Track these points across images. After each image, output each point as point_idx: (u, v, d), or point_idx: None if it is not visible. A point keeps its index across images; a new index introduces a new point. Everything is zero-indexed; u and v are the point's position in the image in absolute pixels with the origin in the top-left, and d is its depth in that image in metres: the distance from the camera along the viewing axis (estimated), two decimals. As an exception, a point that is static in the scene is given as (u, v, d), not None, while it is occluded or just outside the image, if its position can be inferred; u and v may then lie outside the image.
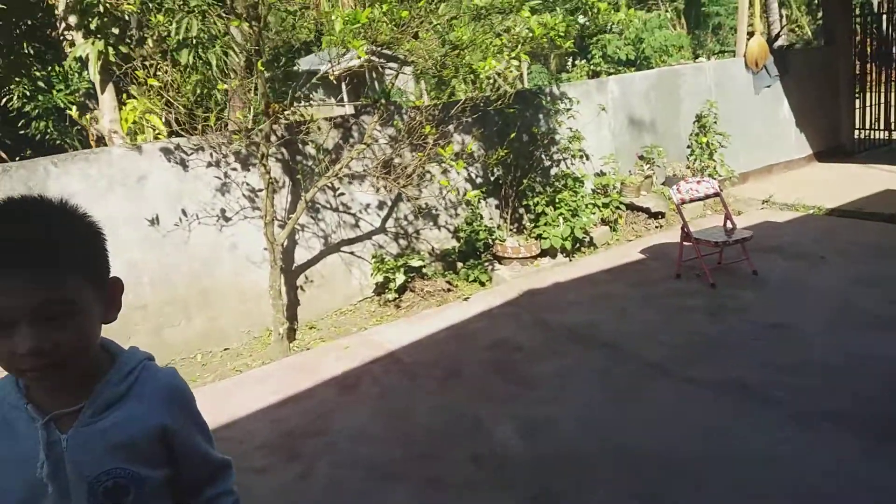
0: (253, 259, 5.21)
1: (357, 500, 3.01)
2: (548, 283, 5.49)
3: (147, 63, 5.05)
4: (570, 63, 20.23)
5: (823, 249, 5.47)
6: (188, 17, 4.56)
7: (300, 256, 5.50)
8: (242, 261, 5.19)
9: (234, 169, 5.09)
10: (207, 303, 5.06)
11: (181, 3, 4.74)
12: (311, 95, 7.67)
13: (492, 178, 6.44)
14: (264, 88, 4.70)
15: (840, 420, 3.12)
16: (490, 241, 6.14)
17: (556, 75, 19.64)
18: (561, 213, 6.03)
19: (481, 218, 6.21)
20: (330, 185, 5.52)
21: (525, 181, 6.30)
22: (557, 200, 6.10)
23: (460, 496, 2.92)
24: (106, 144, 5.75)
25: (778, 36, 10.17)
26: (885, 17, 10.17)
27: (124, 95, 5.69)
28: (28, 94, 7.46)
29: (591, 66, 19.16)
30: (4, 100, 7.46)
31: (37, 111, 7.71)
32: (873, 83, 9.71)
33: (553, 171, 6.76)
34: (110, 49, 5.27)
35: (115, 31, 5.37)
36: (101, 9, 5.20)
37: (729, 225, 5.30)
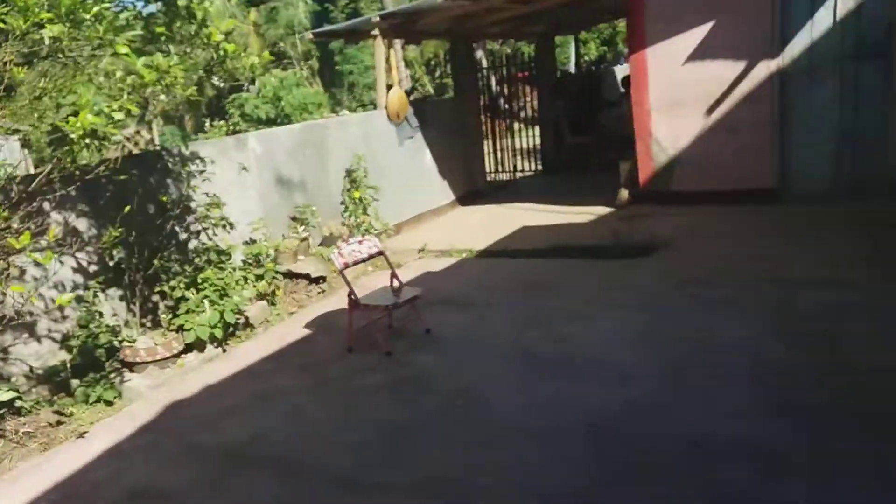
0: None
1: None
2: (196, 389, 4.37)
3: None
4: (207, 123, 18.94)
5: (486, 295, 5.42)
6: None
7: None
8: None
9: None
10: None
11: None
12: None
13: (111, 264, 5.06)
14: None
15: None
16: (116, 344, 4.75)
17: (192, 137, 18.20)
18: (206, 296, 4.96)
19: (100, 316, 4.78)
20: None
21: (156, 262, 5.08)
22: (200, 280, 5.02)
23: None
24: None
25: (412, 90, 10.67)
26: (491, 73, 11.47)
27: None
28: None
29: (231, 126, 18.22)
30: None
31: None
32: (489, 132, 10.80)
33: (192, 244, 5.65)
34: None
35: None
36: None
37: (395, 283, 4.89)
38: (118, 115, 4.36)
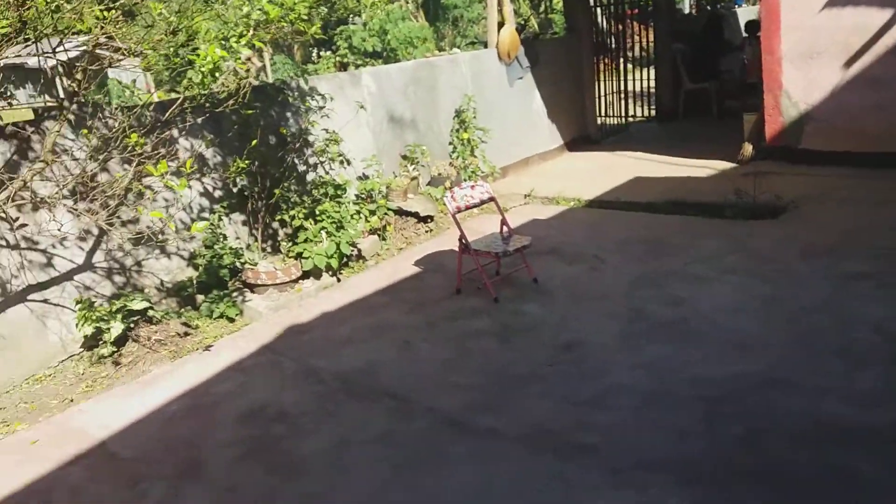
0: None
1: None
2: (314, 315, 4.58)
3: None
4: (315, 54, 19.13)
5: (596, 248, 5.30)
6: None
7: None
8: None
9: None
10: None
11: None
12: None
13: (235, 190, 5.31)
14: None
15: (662, 469, 2.69)
16: (238, 265, 5.04)
17: (302, 67, 18.50)
18: (323, 227, 5.13)
19: (225, 238, 5.07)
20: (2, 215, 4.01)
21: (277, 192, 5.29)
22: (318, 212, 5.19)
23: None
24: None
25: (523, 27, 10.32)
26: (599, 10, 10.84)
27: None
28: None
29: (339, 58, 18.36)
30: None
31: None
32: (600, 73, 10.29)
33: (310, 177, 5.83)
34: None
35: None
36: None
37: (505, 230, 4.87)
38: (245, 51, 4.49)
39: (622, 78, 10.45)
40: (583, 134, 9.42)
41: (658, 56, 11.03)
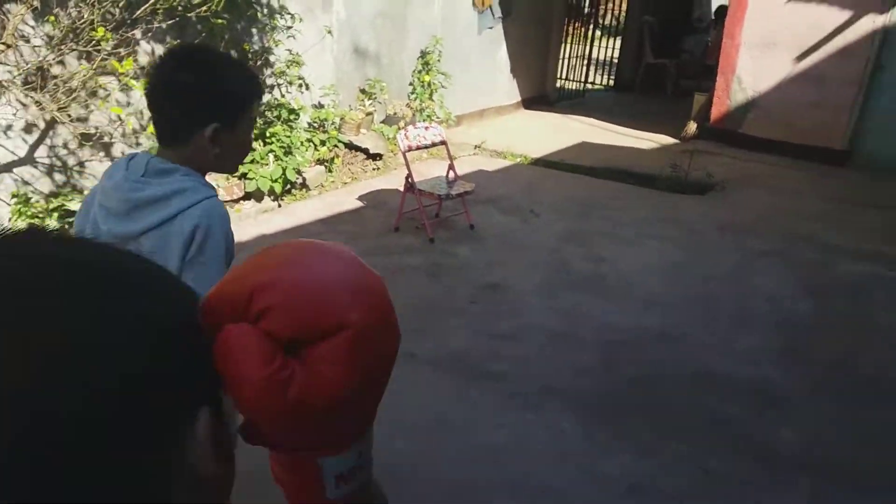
0: None
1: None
2: (251, 236, 4.70)
3: None
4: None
5: (534, 203, 5.56)
6: None
7: None
8: None
9: None
10: None
11: None
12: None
13: (187, 102, 5.29)
14: None
15: (559, 397, 3.01)
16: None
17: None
18: (272, 150, 5.20)
19: (173, 150, 5.08)
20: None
21: (229, 108, 5.29)
22: (269, 135, 5.25)
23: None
24: None
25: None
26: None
27: None
28: None
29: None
30: None
31: None
32: (569, 36, 10.43)
33: (265, 98, 5.83)
34: None
35: None
36: None
37: (451, 175, 5.06)
38: None
39: (588, 44, 10.62)
40: (540, 94, 9.60)
41: (627, 26, 11.22)
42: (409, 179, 4.80)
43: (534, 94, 9.44)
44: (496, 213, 5.31)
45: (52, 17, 4.18)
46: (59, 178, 4.67)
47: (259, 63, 5.58)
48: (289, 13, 5.74)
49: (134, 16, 4.51)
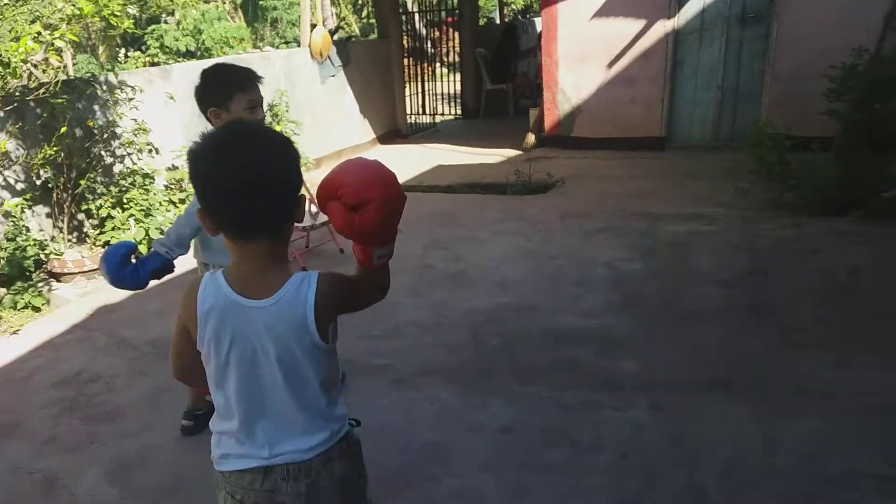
0: None
1: None
2: (124, 296, 4.74)
3: None
4: (122, 54, 18.29)
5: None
6: None
7: None
8: None
9: None
10: None
11: None
12: None
13: (38, 183, 5.28)
14: None
15: (438, 374, 3.36)
16: (43, 257, 5.04)
17: (107, 68, 17.58)
18: (132, 215, 5.28)
19: (28, 231, 5.04)
20: None
21: (83, 182, 5.33)
22: (126, 201, 5.33)
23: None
24: None
25: (336, 29, 10.83)
26: (417, 15, 11.72)
27: None
28: None
29: (149, 58, 17.70)
30: None
31: None
32: (413, 75, 11.15)
33: (117, 168, 5.89)
34: None
35: None
36: None
37: (314, 209, 5.35)
38: (60, 44, 4.60)
39: (434, 80, 11.36)
40: (394, 129, 10.15)
41: (463, 60, 12.09)
42: (273, 218, 5.03)
43: (387, 130, 9.97)
44: (363, 238, 5.64)
45: None
46: None
47: (106, 136, 5.66)
48: (129, 86, 5.88)
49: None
